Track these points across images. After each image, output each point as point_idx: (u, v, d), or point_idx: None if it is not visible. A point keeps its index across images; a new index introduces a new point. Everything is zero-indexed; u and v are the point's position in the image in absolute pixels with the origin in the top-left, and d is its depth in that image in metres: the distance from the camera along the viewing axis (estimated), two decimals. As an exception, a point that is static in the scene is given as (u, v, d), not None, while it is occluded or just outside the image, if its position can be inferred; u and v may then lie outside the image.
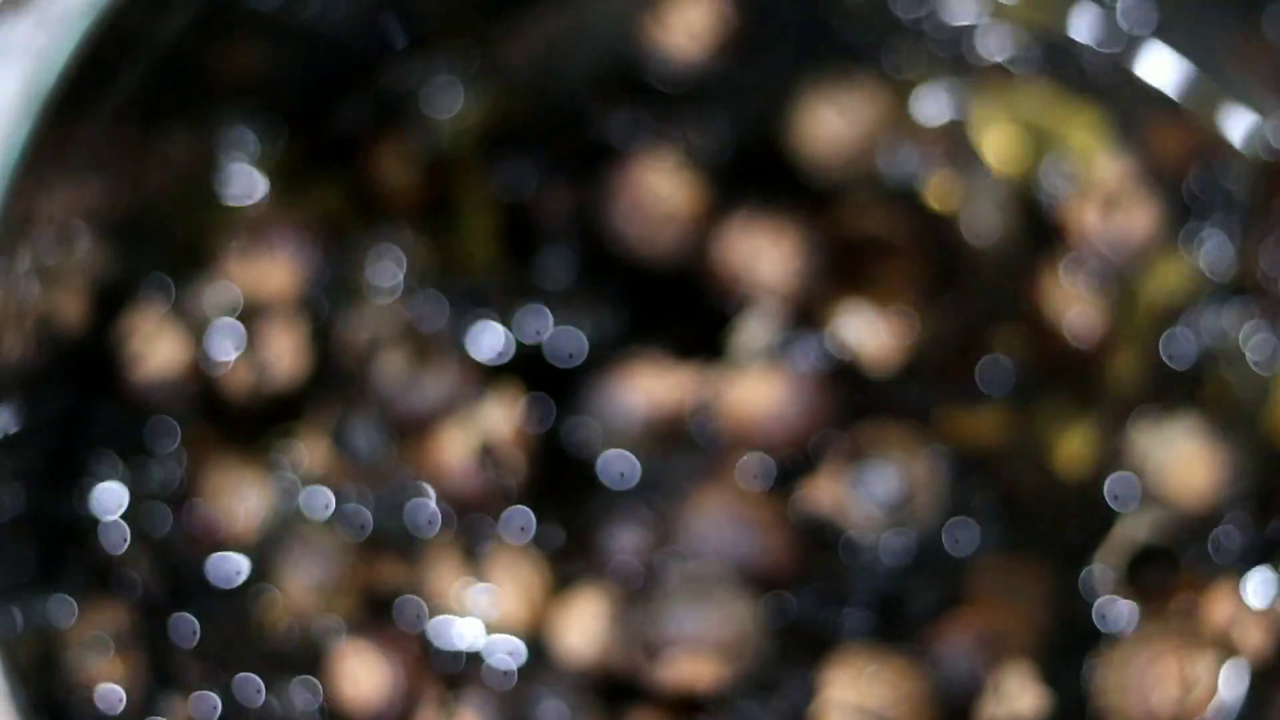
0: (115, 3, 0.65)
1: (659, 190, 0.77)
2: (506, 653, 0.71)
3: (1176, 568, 0.73)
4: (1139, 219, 0.77)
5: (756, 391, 0.73)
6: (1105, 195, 0.77)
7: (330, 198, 0.79)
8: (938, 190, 0.80)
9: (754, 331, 0.75)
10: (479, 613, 0.71)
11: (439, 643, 0.71)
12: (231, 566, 0.72)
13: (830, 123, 0.78)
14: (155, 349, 0.74)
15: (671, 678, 0.68)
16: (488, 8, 0.82)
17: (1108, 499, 0.75)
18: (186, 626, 0.72)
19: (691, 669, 0.68)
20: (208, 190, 0.79)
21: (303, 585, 0.71)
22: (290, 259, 0.76)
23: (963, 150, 0.81)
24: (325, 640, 0.70)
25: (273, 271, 0.76)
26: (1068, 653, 0.72)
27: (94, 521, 0.73)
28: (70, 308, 0.72)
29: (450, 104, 0.81)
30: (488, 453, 0.72)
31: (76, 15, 0.64)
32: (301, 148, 0.80)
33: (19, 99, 0.63)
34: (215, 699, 0.71)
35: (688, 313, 0.77)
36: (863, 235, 0.79)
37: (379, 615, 0.72)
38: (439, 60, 0.81)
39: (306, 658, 0.71)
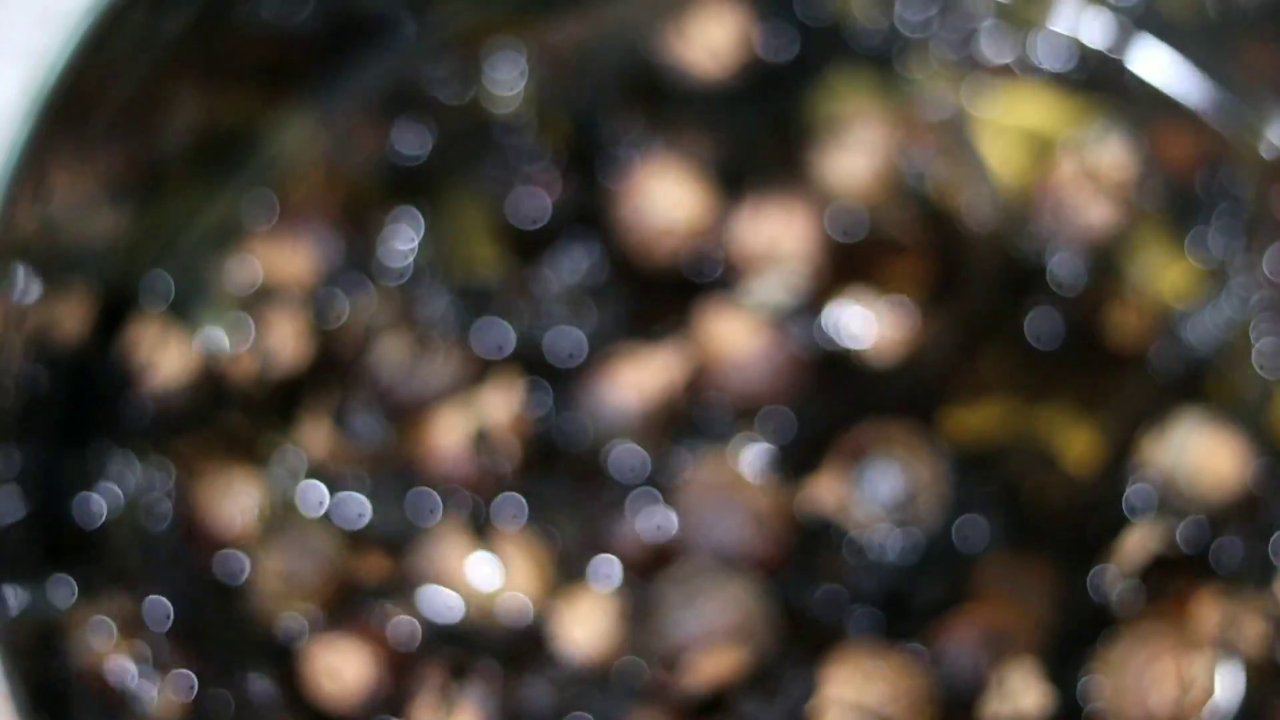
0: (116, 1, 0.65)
1: (662, 200, 0.78)
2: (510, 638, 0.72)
3: (1185, 571, 0.73)
4: (1097, 209, 0.77)
5: (741, 333, 0.73)
6: (1093, 168, 0.77)
7: (353, 182, 0.80)
8: (945, 191, 0.80)
9: (771, 285, 0.76)
10: (487, 587, 0.71)
11: (438, 624, 0.72)
12: (230, 562, 0.73)
13: (849, 161, 0.78)
14: (164, 358, 0.75)
15: (697, 680, 0.68)
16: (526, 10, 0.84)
17: (1122, 500, 0.74)
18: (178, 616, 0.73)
19: (712, 664, 0.68)
20: (232, 173, 0.80)
21: (286, 576, 0.72)
22: (312, 245, 0.76)
23: (969, 152, 0.81)
24: (302, 632, 0.71)
25: (293, 257, 0.76)
26: (1074, 651, 0.72)
27: (95, 518, 0.73)
28: (73, 306, 0.73)
29: (510, 96, 0.82)
30: (483, 438, 0.73)
31: (78, 14, 0.65)
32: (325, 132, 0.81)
33: (19, 98, 0.64)
34: (221, 693, 0.72)
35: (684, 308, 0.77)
36: (872, 233, 0.79)
37: (379, 602, 0.72)
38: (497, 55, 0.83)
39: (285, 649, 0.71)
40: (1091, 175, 0.77)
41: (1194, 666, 0.68)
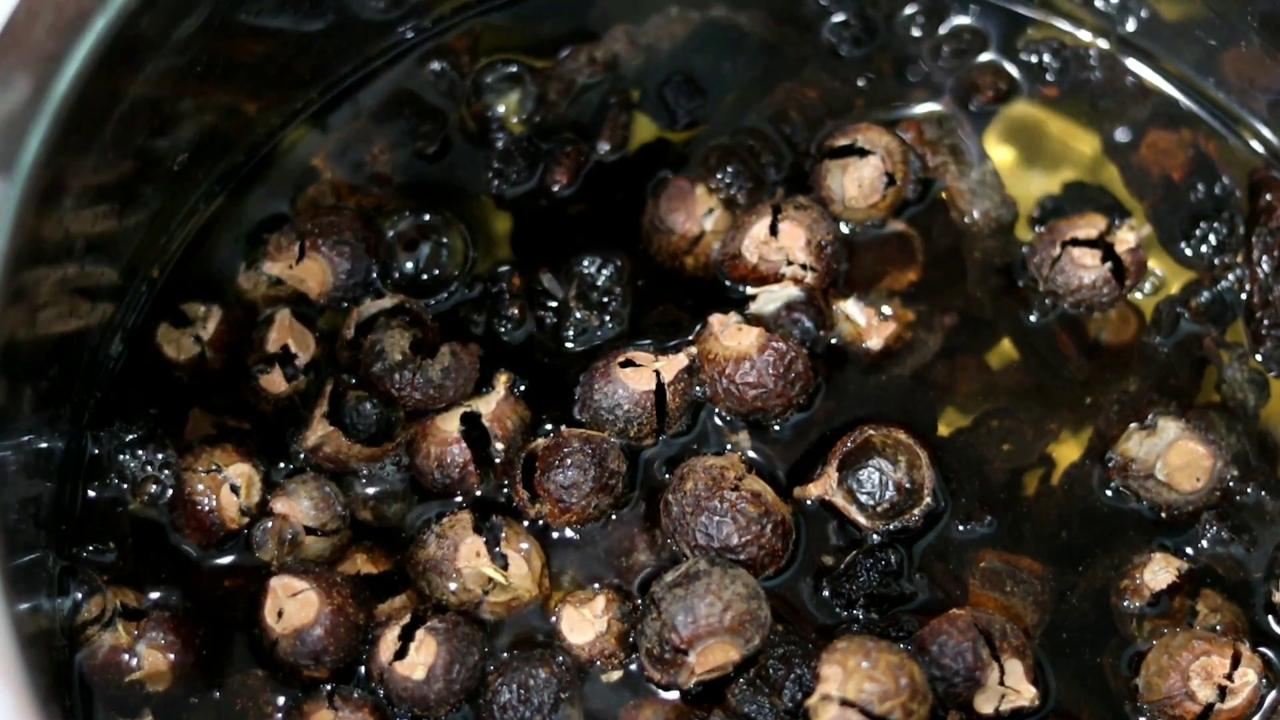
0: (125, 8, 0.66)
1: (690, 212, 0.79)
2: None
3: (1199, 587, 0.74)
4: (1091, 271, 0.77)
5: (745, 335, 0.74)
6: (1123, 236, 0.77)
7: (361, 187, 0.81)
8: (949, 197, 0.81)
9: (775, 294, 0.77)
10: (486, 584, 0.72)
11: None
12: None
13: (855, 169, 0.79)
14: (177, 352, 0.76)
15: (698, 674, 0.69)
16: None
17: (1110, 498, 0.76)
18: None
19: (711, 658, 0.68)
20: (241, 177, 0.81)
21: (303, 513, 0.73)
22: (333, 258, 0.77)
23: (973, 158, 0.81)
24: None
25: (310, 266, 0.77)
26: (1076, 650, 0.73)
27: (100, 508, 0.74)
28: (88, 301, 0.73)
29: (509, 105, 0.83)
30: (476, 433, 0.74)
31: (90, 22, 0.65)
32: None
33: (34, 102, 0.64)
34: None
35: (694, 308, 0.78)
36: (876, 239, 0.80)
37: (378, 594, 0.73)
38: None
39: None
40: (1121, 241, 0.77)
41: (1245, 678, 0.70)
